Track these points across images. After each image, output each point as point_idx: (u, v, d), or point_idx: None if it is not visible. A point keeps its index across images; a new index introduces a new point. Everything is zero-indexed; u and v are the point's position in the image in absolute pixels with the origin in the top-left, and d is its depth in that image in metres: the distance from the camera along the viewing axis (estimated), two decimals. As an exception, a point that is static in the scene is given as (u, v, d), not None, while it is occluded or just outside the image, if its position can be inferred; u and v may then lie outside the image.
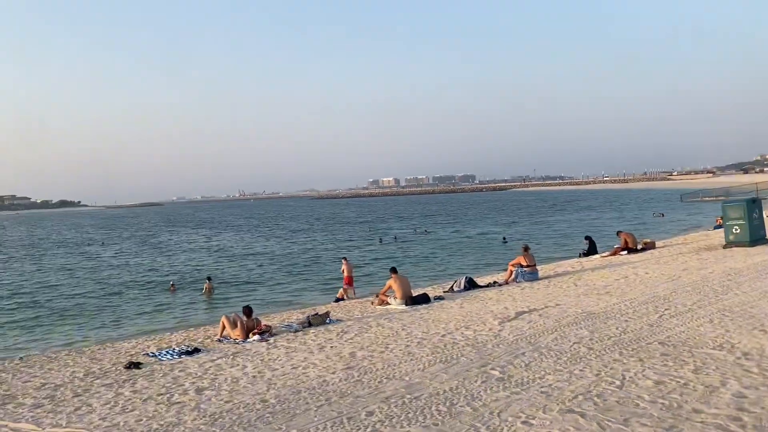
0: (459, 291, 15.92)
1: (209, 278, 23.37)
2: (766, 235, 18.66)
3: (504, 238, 37.71)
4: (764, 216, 19.53)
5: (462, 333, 10.19)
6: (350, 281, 18.77)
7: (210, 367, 9.50)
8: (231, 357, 10.13)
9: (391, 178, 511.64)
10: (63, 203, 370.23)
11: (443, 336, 10.09)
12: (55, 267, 36.41)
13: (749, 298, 10.66)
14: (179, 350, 11.13)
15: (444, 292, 16.05)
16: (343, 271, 18.87)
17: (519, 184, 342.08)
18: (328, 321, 12.91)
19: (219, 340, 11.90)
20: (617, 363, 7.49)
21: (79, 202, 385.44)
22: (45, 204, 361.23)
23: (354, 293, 18.54)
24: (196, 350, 11.03)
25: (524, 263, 16.84)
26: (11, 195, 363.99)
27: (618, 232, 22.99)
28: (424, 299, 14.64)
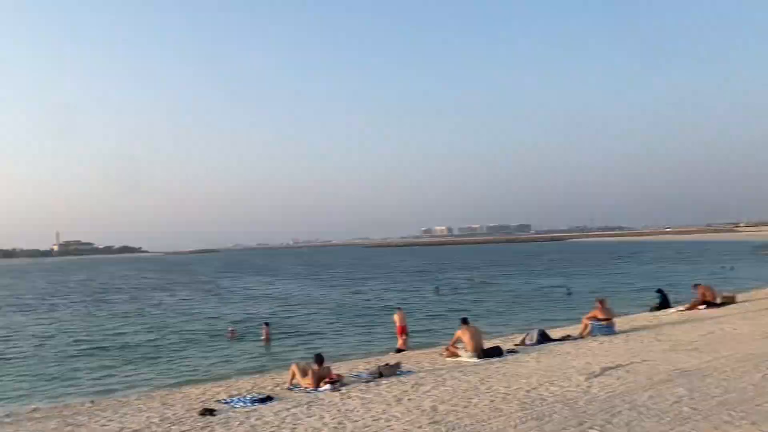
0: (531, 344, 15.30)
1: (267, 323, 23.35)
2: None
3: (568, 290, 36.60)
4: None
5: (547, 389, 9.66)
6: (403, 330, 18.46)
7: (286, 416, 9.24)
8: (306, 406, 9.85)
9: (444, 227, 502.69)
10: (125, 249, 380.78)
11: (528, 391, 9.58)
12: (117, 313, 36.63)
13: None
14: (251, 398, 10.95)
15: (515, 345, 15.45)
16: (395, 321, 18.62)
17: (577, 234, 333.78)
18: (398, 372, 12.54)
19: (289, 388, 11.70)
20: (729, 425, 6.89)
21: (141, 248, 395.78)
22: (107, 249, 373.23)
23: (404, 343, 18.22)
24: (269, 398, 10.84)
25: (600, 316, 16.14)
26: (76, 240, 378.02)
27: (695, 285, 21.90)
28: (497, 352, 14.08)
